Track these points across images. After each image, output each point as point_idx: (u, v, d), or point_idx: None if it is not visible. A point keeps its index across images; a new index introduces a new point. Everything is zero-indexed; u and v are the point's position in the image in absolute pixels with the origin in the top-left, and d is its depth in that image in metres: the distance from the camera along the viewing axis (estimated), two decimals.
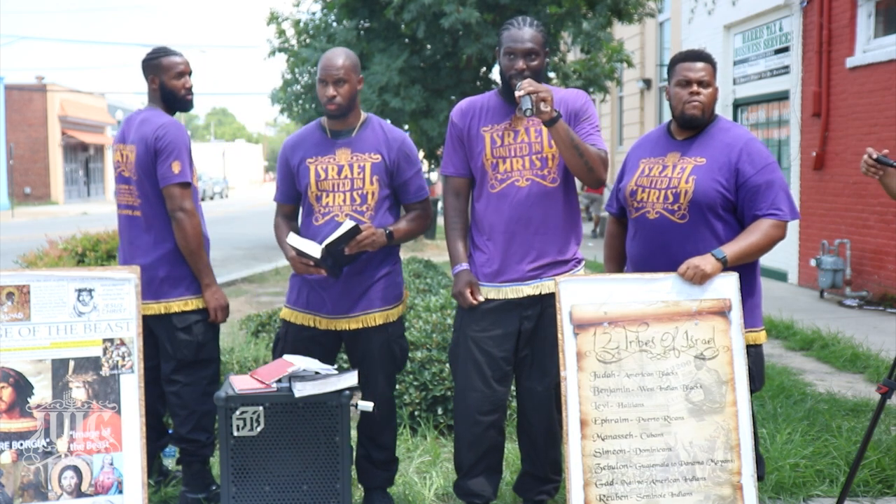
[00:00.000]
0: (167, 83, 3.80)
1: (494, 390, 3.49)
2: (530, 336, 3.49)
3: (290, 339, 3.68)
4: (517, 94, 3.22)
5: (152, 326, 3.78)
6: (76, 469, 3.27)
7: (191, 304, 3.76)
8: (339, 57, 3.52)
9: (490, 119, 3.49)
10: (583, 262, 3.58)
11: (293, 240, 3.48)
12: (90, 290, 3.36)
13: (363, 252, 3.50)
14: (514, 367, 3.56)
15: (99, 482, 3.27)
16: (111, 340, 3.35)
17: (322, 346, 3.65)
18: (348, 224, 3.39)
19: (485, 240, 3.50)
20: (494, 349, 3.47)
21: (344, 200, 3.54)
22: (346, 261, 3.47)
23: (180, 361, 3.76)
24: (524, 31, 3.39)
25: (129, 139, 3.78)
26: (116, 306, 3.37)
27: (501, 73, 3.47)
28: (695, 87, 3.35)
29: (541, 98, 3.18)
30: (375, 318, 3.61)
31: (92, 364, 3.32)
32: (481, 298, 3.45)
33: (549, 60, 9.77)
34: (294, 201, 3.74)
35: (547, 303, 3.44)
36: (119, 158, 3.83)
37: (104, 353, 3.34)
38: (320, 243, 3.43)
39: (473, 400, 3.49)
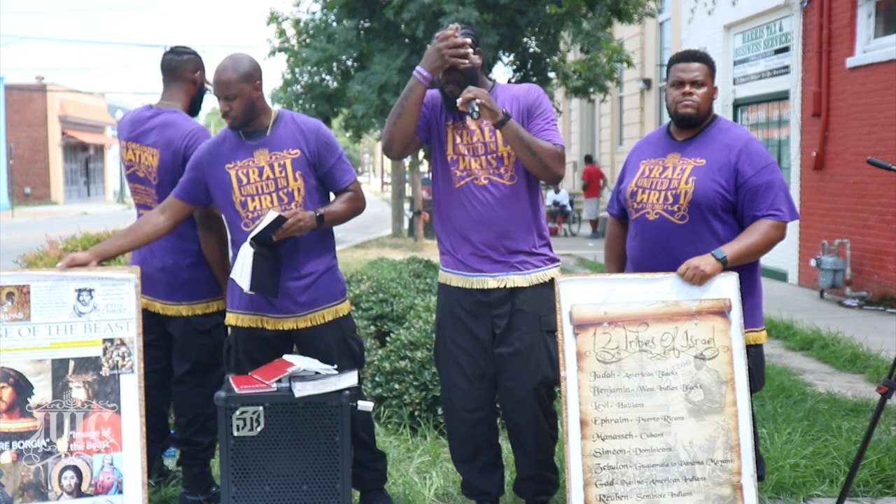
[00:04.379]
0: (204, 84, 3.82)
1: (477, 387, 3.50)
2: (505, 337, 3.45)
3: (241, 344, 3.56)
4: (459, 102, 3.23)
5: (169, 328, 3.77)
6: (76, 469, 3.27)
7: (212, 306, 3.78)
8: (227, 70, 3.35)
9: (450, 115, 3.47)
10: (558, 263, 3.55)
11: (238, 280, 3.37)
12: (90, 290, 3.36)
13: (285, 245, 3.41)
14: (496, 366, 3.54)
15: (99, 482, 3.27)
16: (111, 340, 3.35)
17: (274, 347, 3.55)
18: (272, 215, 3.30)
19: (449, 237, 3.49)
20: (470, 347, 3.48)
21: (271, 202, 3.42)
22: (276, 267, 3.40)
23: (195, 363, 3.76)
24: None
25: (147, 140, 3.70)
26: (116, 306, 3.37)
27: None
28: (687, 88, 3.36)
29: (481, 104, 3.19)
30: (325, 314, 3.53)
31: (92, 364, 3.32)
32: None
33: (550, 61, 9.79)
34: (192, 202, 3.53)
35: (517, 300, 3.42)
36: (132, 158, 3.75)
37: (104, 353, 3.34)
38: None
39: (458, 398, 3.52)
